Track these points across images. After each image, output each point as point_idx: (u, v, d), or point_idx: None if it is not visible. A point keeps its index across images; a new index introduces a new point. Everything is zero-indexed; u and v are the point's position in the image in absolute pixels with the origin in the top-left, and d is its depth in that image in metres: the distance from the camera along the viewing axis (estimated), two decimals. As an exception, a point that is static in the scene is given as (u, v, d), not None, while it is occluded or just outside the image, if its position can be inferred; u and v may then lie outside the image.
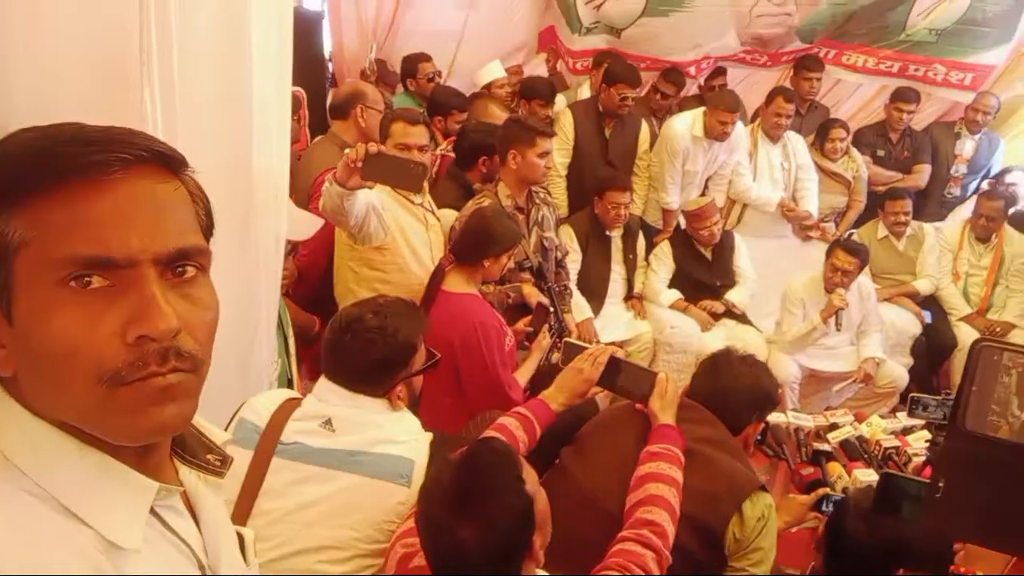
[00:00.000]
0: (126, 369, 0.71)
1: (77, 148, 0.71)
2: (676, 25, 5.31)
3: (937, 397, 3.05)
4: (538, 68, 5.92)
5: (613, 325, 4.53)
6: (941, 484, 1.02)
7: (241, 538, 0.97)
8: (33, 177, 0.71)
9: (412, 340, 1.99)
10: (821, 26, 5.48)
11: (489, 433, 2.05)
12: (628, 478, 1.94)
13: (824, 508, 2.66)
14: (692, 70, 5.61)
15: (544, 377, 2.84)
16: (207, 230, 0.82)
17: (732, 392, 2.14)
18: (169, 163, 0.78)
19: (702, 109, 4.82)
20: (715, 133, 4.69)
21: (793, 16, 5.40)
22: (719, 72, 5.68)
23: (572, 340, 2.77)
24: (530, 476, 1.52)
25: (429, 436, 2.02)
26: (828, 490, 2.80)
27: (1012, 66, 5.56)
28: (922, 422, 3.75)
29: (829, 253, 4.38)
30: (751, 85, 5.95)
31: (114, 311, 0.71)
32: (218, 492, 0.92)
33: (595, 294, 4.55)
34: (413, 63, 4.88)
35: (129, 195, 0.73)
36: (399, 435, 1.94)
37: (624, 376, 2.19)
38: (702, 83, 5.75)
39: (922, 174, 5.31)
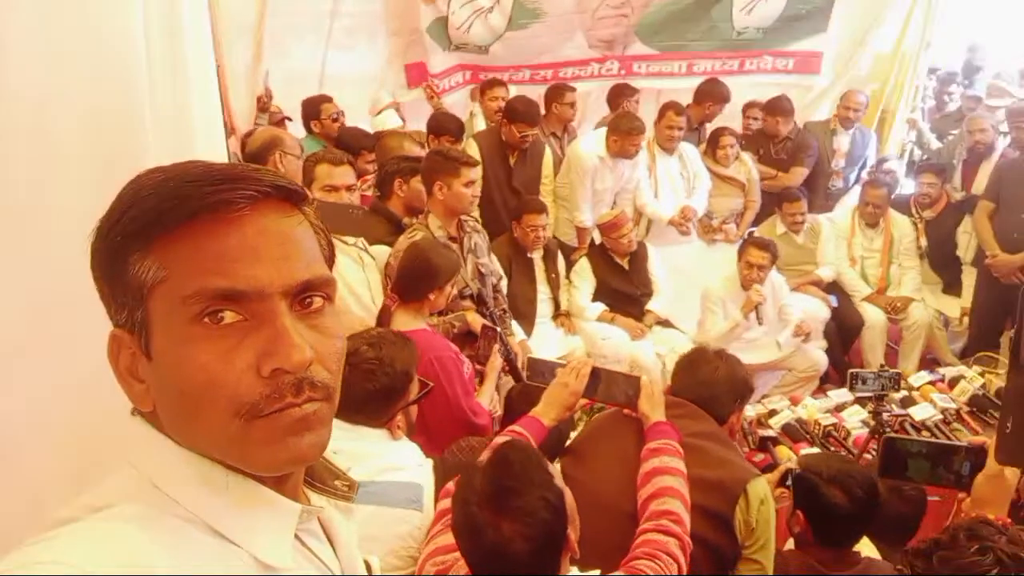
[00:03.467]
0: (263, 402, 0.72)
1: (205, 186, 0.73)
2: (534, 35, 6.07)
3: (874, 371, 3.24)
4: (417, 105, 6.02)
5: (546, 344, 4.59)
6: (1009, 422, 1.10)
7: (368, 565, 0.98)
8: (164, 217, 0.72)
9: (408, 369, 2.01)
10: (655, 26, 6.21)
11: (485, 454, 2.07)
12: (634, 477, 2.00)
13: (788, 483, 2.79)
14: (548, 74, 6.11)
15: (518, 398, 2.86)
16: (329, 260, 0.84)
17: (713, 385, 2.24)
18: (292, 197, 0.79)
19: (604, 130, 5.00)
20: (624, 153, 4.87)
21: (629, 16, 6.16)
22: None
23: (535, 356, 2.82)
24: (555, 471, 1.56)
25: (431, 462, 2.03)
26: (791, 465, 2.95)
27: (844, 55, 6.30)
28: (852, 399, 4.00)
29: (742, 252, 4.62)
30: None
31: (247, 345, 0.73)
32: (350, 517, 0.94)
33: (524, 315, 4.62)
34: (315, 105, 4.85)
35: (257, 230, 0.75)
36: (403, 462, 1.96)
37: (608, 384, 2.25)
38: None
39: (796, 176, 5.65)
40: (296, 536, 0.82)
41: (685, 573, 1.79)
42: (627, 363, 4.55)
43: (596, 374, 2.25)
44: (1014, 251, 4.64)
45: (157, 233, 0.73)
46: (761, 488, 2.02)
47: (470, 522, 1.47)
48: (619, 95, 5.74)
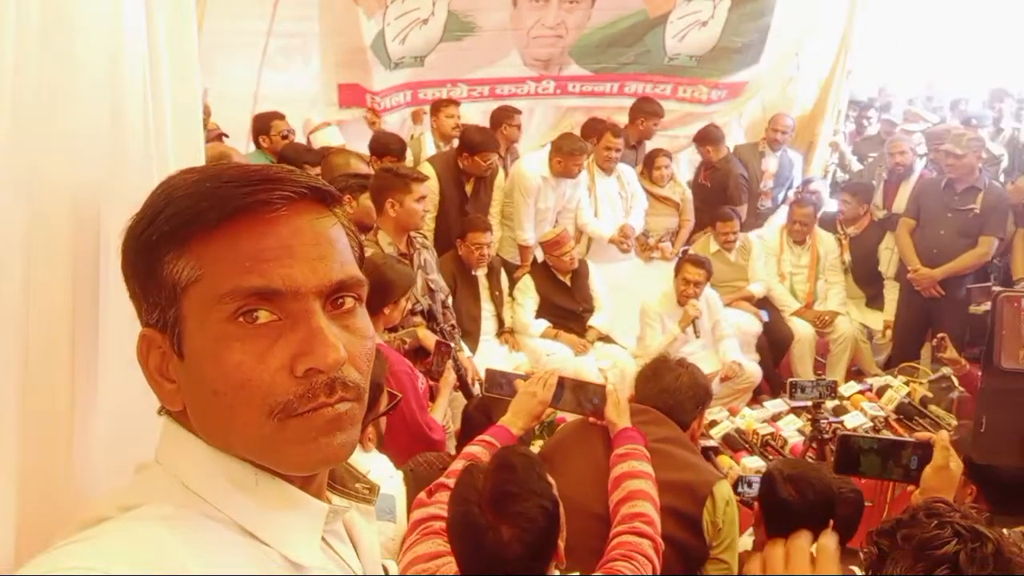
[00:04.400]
0: (297, 401, 0.73)
1: (243, 187, 0.74)
2: (469, 47, 6.15)
3: (812, 380, 3.40)
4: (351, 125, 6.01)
5: (491, 361, 4.60)
6: (984, 422, 1.20)
7: (385, 568, 0.99)
8: (202, 216, 0.73)
9: (379, 381, 2.02)
10: (590, 48, 6.41)
11: (458, 462, 2.10)
12: (604, 481, 2.06)
13: (740, 489, 2.90)
14: (485, 90, 6.25)
15: (476, 412, 2.89)
16: (360, 261, 0.85)
17: (675, 392, 2.32)
18: (326, 198, 0.80)
19: (547, 149, 5.10)
20: (568, 174, 4.98)
21: (564, 38, 6.34)
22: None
23: (494, 368, 2.86)
24: (552, 481, 1.61)
25: (400, 474, 2.04)
26: (739, 472, 3.06)
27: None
28: (787, 408, 4.17)
29: (678, 269, 4.77)
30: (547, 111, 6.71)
31: (281, 345, 0.73)
32: (371, 521, 0.94)
33: (469, 333, 4.64)
34: (265, 121, 4.82)
35: (292, 230, 0.75)
36: (375, 474, 1.95)
37: (574, 393, 2.31)
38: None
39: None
40: (321, 537, 0.82)
41: (659, 573, 1.85)
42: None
43: (562, 383, 2.31)
44: (934, 265, 4.90)
45: (193, 233, 0.73)
46: (726, 490, 2.10)
47: (470, 522, 1.50)
48: (500, 118, 5.67)
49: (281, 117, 4.93)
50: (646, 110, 5.90)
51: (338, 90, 5.92)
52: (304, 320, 0.73)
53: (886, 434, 3.84)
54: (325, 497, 0.86)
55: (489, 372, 2.75)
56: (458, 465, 2.08)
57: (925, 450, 1.82)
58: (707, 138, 5.89)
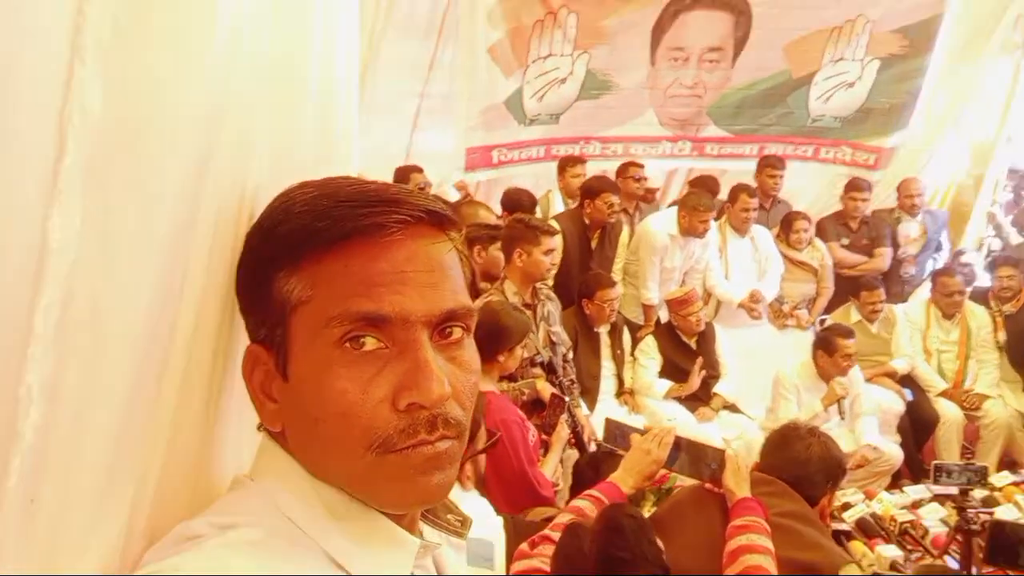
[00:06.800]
0: (396, 436, 0.70)
1: (360, 208, 0.71)
2: (604, 105, 6.17)
3: (959, 463, 3.11)
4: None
5: (610, 421, 4.51)
6: None
7: None
8: (316, 236, 0.71)
9: (477, 416, 1.97)
10: (729, 109, 6.31)
11: (564, 516, 2.02)
12: (719, 554, 1.91)
13: None
14: (619, 148, 6.25)
15: (586, 468, 2.80)
16: (472, 289, 0.82)
17: (805, 464, 2.16)
18: (443, 223, 0.77)
19: (675, 208, 5.01)
20: (693, 231, 4.87)
21: (702, 97, 6.27)
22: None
23: (614, 418, 2.77)
24: (662, 546, 1.50)
25: (501, 519, 1.97)
26: (872, 562, 2.80)
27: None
28: (929, 496, 3.84)
29: (829, 344, 4.47)
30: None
31: (386, 375, 0.70)
32: (460, 554, 0.91)
33: (588, 391, 4.54)
34: (404, 173, 5.02)
35: (407, 255, 0.72)
36: (473, 515, 1.89)
37: (690, 455, 2.19)
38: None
39: (883, 257, 5.59)
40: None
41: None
42: (694, 445, 4.44)
43: (678, 443, 2.20)
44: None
45: (307, 252, 0.71)
46: (854, 573, 1.92)
47: None
48: (621, 171, 5.60)
49: (419, 171, 5.13)
50: (771, 160, 5.82)
51: (466, 154, 6.06)
52: (411, 351, 0.71)
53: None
54: (417, 529, 0.83)
55: (608, 422, 2.68)
56: (564, 519, 2.00)
57: None
58: (856, 186, 5.67)
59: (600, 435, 4.21)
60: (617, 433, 2.43)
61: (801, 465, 2.16)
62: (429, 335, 0.72)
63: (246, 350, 0.78)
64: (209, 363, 0.85)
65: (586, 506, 2.06)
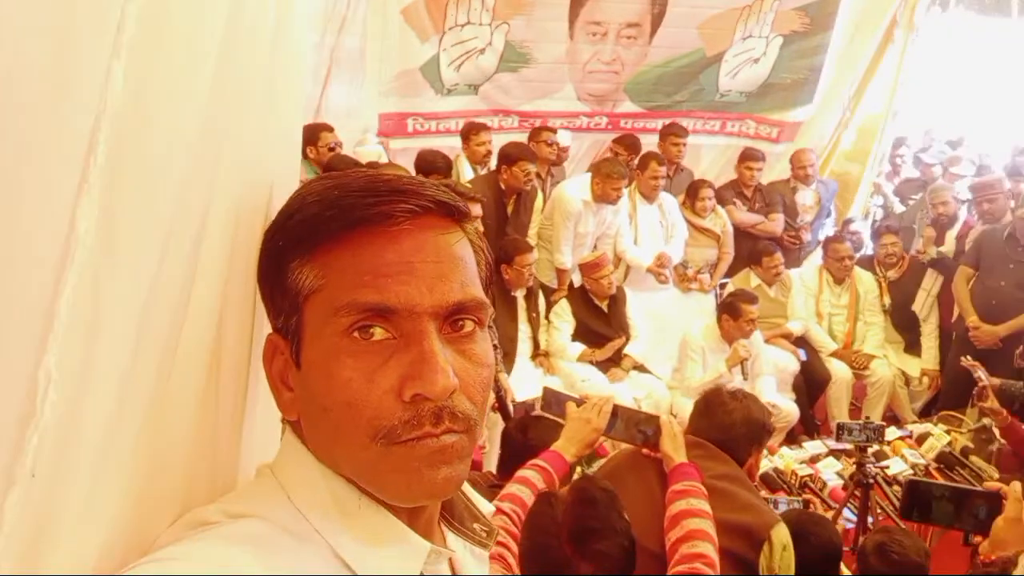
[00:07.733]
0: (401, 428, 0.69)
1: (368, 198, 0.71)
2: (523, 79, 6.19)
3: (859, 422, 3.35)
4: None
5: (525, 383, 4.60)
6: None
7: None
8: (325, 226, 0.71)
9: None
10: (645, 85, 6.44)
11: (512, 485, 2.07)
12: (660, 518, 2.01)
13: None
14: (537, 123, 6.19)
15: (515, 432, 2.85)
16: (486, 282, 0.80)
17: (730, 427, 2.28)
18: (453, 213, 0.76)
19: (589, 174, 5.10)
20: (607, 198, 4.97)
21: (620, 74, 6.37)
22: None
23: (551, 387, 2.84)
24: (629, 518, 1.58)
25: None
26: None
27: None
28: (826, 451, 4.12)
29: (734, 309, 4.68)
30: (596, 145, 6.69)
31: (392, 365, 0.70)
32: (484, 565, 0.88)
33: (506, 354, 4.63)
34: (314, 132, 4.81)
35: (414, 246, 0.72)
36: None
37: (627, 422, 2.27)
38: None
39: (777, 221, 5.87)
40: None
41: (715, 615, 1.81)
42: (606, 405, 4.58)
43: (615, 412, 2.27)
44: (992, 316, 4.78)
45: (318, 241, 0.72)
46: (784, 534, 2.05)
47: (548, 556, 1.47)
48: (534, 135, 5.72)
49: (329, 129, 4.93)
50: (674, 128, 6.01)
51: (379, 120, 5.95)
52: (416, 341, 0.70)
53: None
54: (436, 533, 0.82)
55: (546, 390, 2.73)
56: (513, 489, 2.04)
57: (994, 501, 1.78)
58: (751, 156, 5.91)
59: (519, 397, 4.34)
60: (553, 401, 2.49)
61: (727, 429, 2.28)
62: (438, 327, 0.72)
63: (267, 338, 0.78)
64: (237, 353, 0.84)
65: (532, 475, 2.10)
